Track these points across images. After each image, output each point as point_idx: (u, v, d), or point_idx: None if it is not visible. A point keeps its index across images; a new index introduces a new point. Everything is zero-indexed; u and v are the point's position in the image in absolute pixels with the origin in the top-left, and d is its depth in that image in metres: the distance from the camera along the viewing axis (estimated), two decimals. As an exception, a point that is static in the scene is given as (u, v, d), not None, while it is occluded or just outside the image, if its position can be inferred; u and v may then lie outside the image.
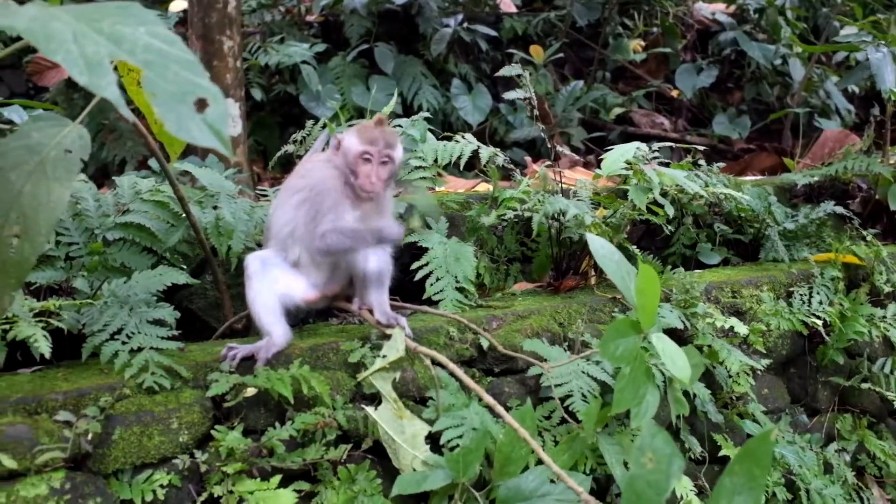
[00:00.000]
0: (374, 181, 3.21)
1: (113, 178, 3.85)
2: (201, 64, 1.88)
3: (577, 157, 5.06)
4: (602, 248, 2.83)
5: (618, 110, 9.17)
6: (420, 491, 3.00)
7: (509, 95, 4.10)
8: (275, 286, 3.28)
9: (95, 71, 1.75)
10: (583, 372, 3.51)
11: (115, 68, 2.68)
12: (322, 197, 3.25)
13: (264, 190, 4.60)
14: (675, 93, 9.62)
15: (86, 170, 7.15)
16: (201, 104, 1.80)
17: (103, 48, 1.79)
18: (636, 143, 4.25)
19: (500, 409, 3.06)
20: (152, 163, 6.02)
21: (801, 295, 4.69)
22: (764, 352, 4.30)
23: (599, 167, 4.21)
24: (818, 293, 4.71)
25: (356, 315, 3.50)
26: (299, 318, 3.63)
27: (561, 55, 9.09)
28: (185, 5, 7.67)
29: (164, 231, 3.60)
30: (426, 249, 3.95)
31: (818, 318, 4.56)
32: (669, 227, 4.63)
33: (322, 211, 3.24)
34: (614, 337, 2.73)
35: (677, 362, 2.81)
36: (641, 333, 2.76)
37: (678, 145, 5.70)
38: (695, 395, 3.91)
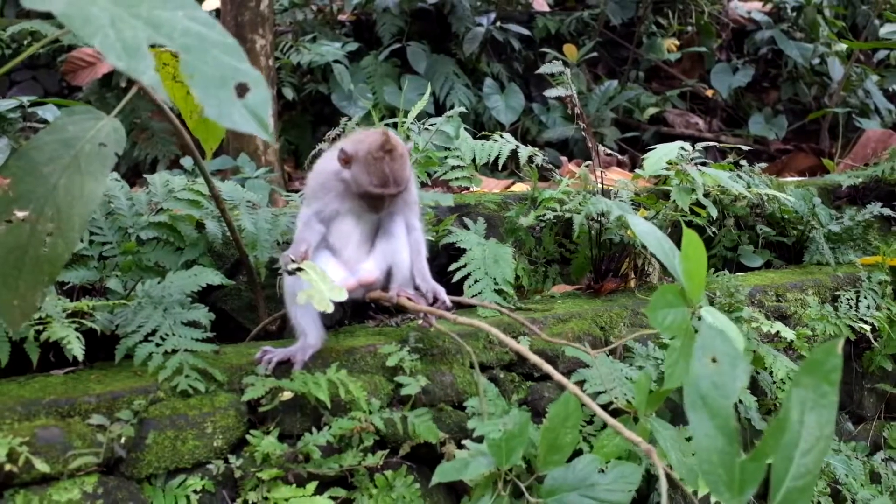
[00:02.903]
0: (384, 210, 3.15)
1: (145, 176, 3.79)
2: (241, 48, 1.81)
3: (616, 157, 4.95)
4: (644, 226, 2.71)
5: (652, 110, 9.03)
6: (460, 478, 2.84)
7: (550, 93, 4.00)
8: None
9: (133, 55, 1.69)
10: (626, 378, 3.40)
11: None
12: (315, 184, 3.24)
13: (290, 195, 4.53)
14: (709, 92, 9.47)
15: (118, 169, 7.16)
16: (242, 89, 1.73)
17: (141, 32, 1.73)
18: (679, 143, 4.14)
19: (551, 370, 2.89)
20: (184, 162, 5.99)
21: (847, 299, 4.56)
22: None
23: (633, 168, 4.11)
24: (865, 297, 4.59)
25: (393, 303, 3.33)
26: (335, 319, 3.55)
27: (594, 54, 8.97)
28: (217, 4, 7.63)
29: (194, 237, 3.55)
30: (464, 251, 3.86)
31: (866, 322, 4.43)
32: (712, 229, 4.51)
33: (308, 196, 3.25)
34: (662, 305, 2.57)
35: (731, 335, 2.65)
36: (690, 307, 2.61)
37: (713, 145, 5.57)
38: (739, 402, 3.79)
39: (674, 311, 2.58)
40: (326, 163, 3.25)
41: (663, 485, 2.11)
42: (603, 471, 2.84)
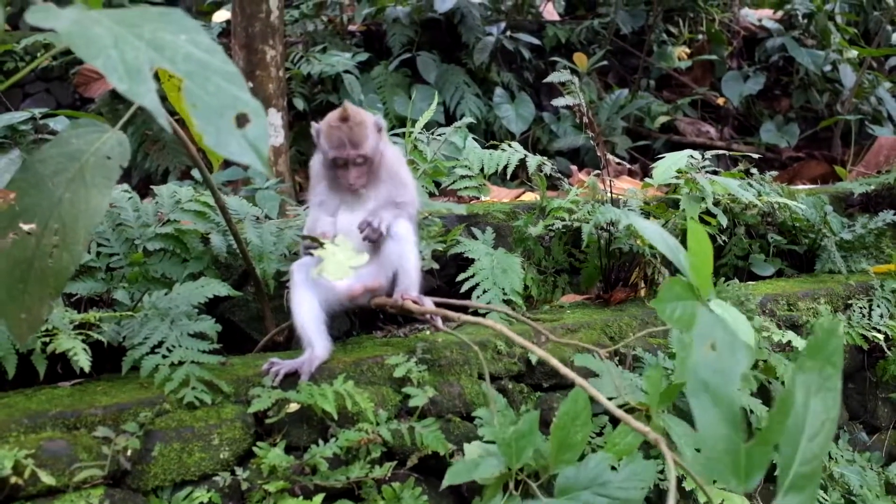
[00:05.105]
0: (352, 182, 3.20)
1: (151, 187, 3.79)
2: (242, 76, 1.80)
3: (625, 165, 4.93)
4: (648, 226, 2.69)
5: (663, 119, 9.00)
6: (471, 478, 2.80)
7: (558, 102, 3.98)
8: (319, 290, 3.20)
9: (135, 77, 1.68)
10: (637, 387, 3.37)
11: (156, 74, 2.63)
12: (312, 176, 3.40)
13: (299, 207, 4.53)
14: (720, 101, 9.43)
15: (129, 180, 7.19)
16: (242, 119, 1.72)
17: (143, 55, 1.72)
18: (688, 152, 4.11)
19: (563, 368, 2.77)
20: (195, 173, 6.01)
21: (860, 308, 4.53)
22: (821, 367, 4.13)
23: (644, 176, 4.09)
24: (878, 306, 4.55)
25: (397, 306, 3.30)
26: (342, 330, 3.54)
27: (605, 63, 8.95)
28: (228, 16, 7.67)
29: (200, 249, 3.56)
30: (472, 261, 3.85)
31: (879, 331, 4.39)
32: (722, 238, 4.49)
33: (311, 188, 3.39)
34: (670, 298, 2.54)
35: (741, 327, 2.63)
36: (698, 300, 2.57)
37: (725, 153, 5.54)
38: (751, 412, 3.76)
39: (682, 304, 2.55)
40: (316, 155, 3.38)
41: (671, 472, 2.03)
42: (615, 468, 2.79)
